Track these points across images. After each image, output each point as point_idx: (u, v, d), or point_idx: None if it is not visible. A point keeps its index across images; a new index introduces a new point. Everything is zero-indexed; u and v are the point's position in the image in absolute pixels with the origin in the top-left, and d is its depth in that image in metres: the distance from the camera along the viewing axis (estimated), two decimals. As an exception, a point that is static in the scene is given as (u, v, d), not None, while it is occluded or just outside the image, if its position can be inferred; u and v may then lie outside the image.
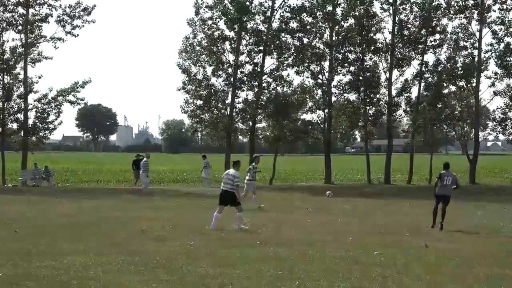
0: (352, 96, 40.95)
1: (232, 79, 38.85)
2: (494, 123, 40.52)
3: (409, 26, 39.25)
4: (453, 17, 38.93)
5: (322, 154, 43.95)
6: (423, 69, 39.89)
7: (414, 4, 38.68)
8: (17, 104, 37.47)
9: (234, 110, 39.10)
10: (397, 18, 39.11)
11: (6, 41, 37.23)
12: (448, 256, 11.79)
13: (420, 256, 11.82)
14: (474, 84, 39.50)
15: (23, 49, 36.81)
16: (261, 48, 38.88)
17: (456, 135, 43.37)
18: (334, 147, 72.93)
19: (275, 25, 39.35)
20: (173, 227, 15.57)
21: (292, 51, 39.31)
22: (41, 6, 36.96)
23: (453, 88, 40.84)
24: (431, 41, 39.83)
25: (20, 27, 36.96)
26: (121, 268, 10.07)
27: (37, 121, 37.52)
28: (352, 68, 40.13)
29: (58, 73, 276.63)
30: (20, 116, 37.61)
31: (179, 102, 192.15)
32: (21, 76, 37.40)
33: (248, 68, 39.32)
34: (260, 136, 43.00)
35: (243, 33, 38.51)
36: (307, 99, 40.59)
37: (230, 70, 38.96)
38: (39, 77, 37.85)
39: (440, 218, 16.65)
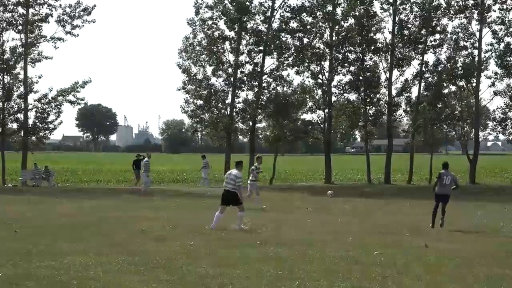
0: (352, 96, 41.07)
1: (232, 79, 38.86)
2: (494, 123, 40.55)
3: (409, 26, 39.28)
4: (453, 17, 38.96)
5: (322, 154, 43.96)
6: (423, 69, 39.91)
7: (414, 4, 38.72)
8: (17, 104, 37.50)
9: (234, 110, 39.11)
10: (397, 18, 39.13)
11: (6, 41, 37.35)
12: (448, 256, 11.79)
13: (420, 256, 11.81)
14: (474, 84, 39.51)
15: (23, 49, 36.82)
16: (261, 48, 38.89)
17: (456, 135, 43.39)
18: (334, 147, 72.99)
19: (275, 25, 39.42)
20: (173, 227, 15.56)
21: (292, 51, 39.33)
22: (41, 6, 37.03)
23: (453, 88, 40.92)
24: (431, 41, 39.87)
25: (20, 27, 36.98)
26: (121, 268, 10.07)
27: (37, 121, 37.54)
28: (352, 68, 40.18)
29: (58, 73, 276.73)
30: (20, 116, 37.63)
31: (179, 102, 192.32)
32: (21, 76, 37.42)
33: (248, 68, 39.38)
34: (260, 136, 43.02)
35: (243, 33, 38.51)
36: (307, 99, 40.61)
37: (230, 70, 38.96)
38: (39, 77, 37.98)
39: (441, 214, 16.67)
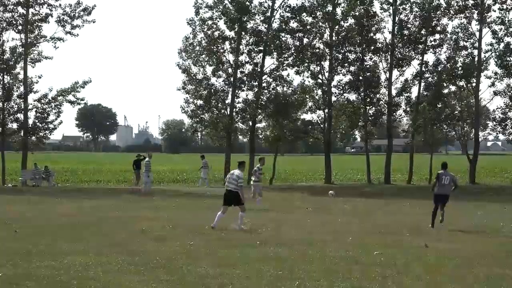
0: (352, 96, 41.08)
1: (232, 79, 38.85)
2: (494, 123, 40.53)
3: (409, 26, 39.28)
4: (453, 17, 38.95)
5: (322, 154, 43.96)
6: (423, 69, 39.91)
7: (414, 4, 38.71)
8: (17, 104, 37.48)
9: (234, 110, 39.10)
10: (397, 18, 39.13)
11: (6, 41, 37.34)
12: (448, 256, 11.79)
13: (420, 256, 11.81)
14: (474, 84, 39.51)
15: (23, 49, 36.81)
16: (261, 48, 38.88)
17: (456, 135, 43.40)
18: (334, 147, 73.00)
19: (275, 25, 39.42)
20: (173, 227, 15.57)
21: (292, 51, 39.32)
22: (41, 6, 37.00)
23: (453, 88, 40.92)
24: (431, 41, 39.87)
25: (20, 27, 36.97)
26: (121, 268, 10.07)
27: (37, 121, 37.53)
28: (352, 68, 40.18)
29: (58, 73, 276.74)
30: (20, 116, 37.62)
31: (179, 102, 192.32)
32: (21, 76, 37.41)
33: (248, 68, 39.38)
34: (260, 136, 43.02)
35: (243, 33, 38.50)
36: (307, 99, 40.62)
37: (230, 70, 38.96)
38: (39, 77, 37.96)
39: (440, 209, 16.68)
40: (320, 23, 39.46)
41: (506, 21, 37.86)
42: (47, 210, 20.62)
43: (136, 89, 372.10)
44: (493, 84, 38.99)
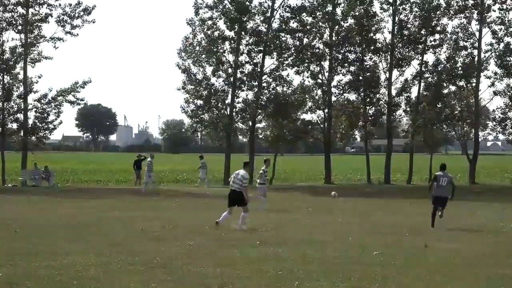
0: (352, 96, 41.07)
1: (232, 79, 38.85)
2: (494, 123, 40.54)
3: (409, 26, 39.28)
4: (453, 17, 38.95)
5: (322, 154, 43.95)
6: (423, 69, 39.92)
7: (414, 4, 38.70)
8: (17, 104, 37.45)
9: (234, 110, 39.10)
10: (397, 18, 39.14)
11: (6, 41, 37.29)
12: (448, 256, 11.80)
13: (420, 256, 11.82)
14: (474, 84, 39.53)
15: (23, 49, 36.80)
16: (261, 48, 38.87)
17: (456, 135, 43.39)
18: (334, 147, 72.90)
19: (275, 25, 39.40)
20: (173, 227, 15.58)
21: (292, 51, 39.31)
22: (41, 6, 36.96)
23: (453, 88, 40.89)
24: (431, 41, 39.88)
25: (20, 27, 36.95)
26: (121, 268, 10.07)
27: (37, 121, 37.51)
28: (352, 68, 40.17)
29: (58, 73, 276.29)
30: (20, 116, 37.60)
31: (179, 102, 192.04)
32: (21, 76, 37.39)
33: (248, 68, 39.35)
34: (260, 136, 43.02)
35: (243, 33, 38.50)
36: (307, 99, 40.62)
37: (230, 70, 38.96)
38: (39, 77, 37.92)
39: (439, 211, 16.68)
40: (320, 23, 39.46)
41: (506, 21, 37.89)
42: (47, 210, 20.64)
43: (136, 89, 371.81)
44: (493, 84, 39.05)
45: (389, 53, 39.41)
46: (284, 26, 39.09)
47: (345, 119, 41.31)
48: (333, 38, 39.64)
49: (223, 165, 40.05)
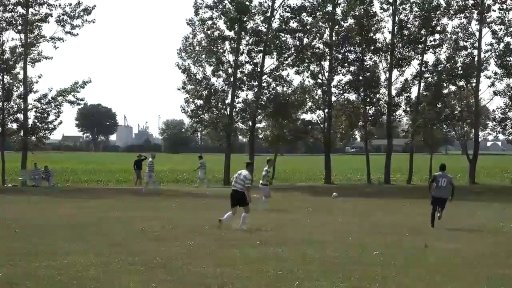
0: (352, 96, 41.09)
1: (232, 79, 38.85)
2: (494, 123, 40.56)
3: (409, 26, 39.30)
4: (453, 17, 38.97)
5: (322, 154, 43.96)
6: (423, 69, 39.93)
7: (414, 4, 38.73)
8: (17, 104, 37.46)
9: (234, 110, 39.10)
10: (397, 18, 39.15)
11: (6, 41, 37.29)
12: (448, 256, 11.80)
13: (420, 256, 11.82)
14: (474, 84, 39.55)
15: (23, 49, 36.81)
16: (261, 48, 38.88)
17: (456, 135, 43.41)
18: (334, 147, 72.91)
19: (275, 25, 39.40)
20: (173, 227, 15.58)
21: (292, 51, 39.32)
22: (40, 6, 36.97)
23: (453, 88, 40.91)
24: (431, 41, 39.89)
25: (20, 27, 36.94)
26: (121, 268, 10.07)
27: (37, 121, 37.51)
28: (352, 68, 40.19)
29: (58, 73, 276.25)
30: (20, 116, 37.60)
31: (179, 102, 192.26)
32: (21, 76, 37.40)
33: (248, 68, 39.34)
34: (260, 136, 43.01)
35: (242, 33, 38.49)
36: (307, 99, 40.62)
37: (230, 70, 38.95)
38: (39, 77, 37.94)
39: (438, 212, 16.67)
40: (320, 23, 39.46)
41: (506, 21, 37.90)
42: (47, 210, 20.64)
43: (136, 89, 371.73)
44: (493, 84, 39.07)
45: (389, 53, 39.42)
46: (284, 26, 39.09)
47: (345, 119, 41.33)
48: (333, 38, 39.65)
49: (223, 165, 40.05)
